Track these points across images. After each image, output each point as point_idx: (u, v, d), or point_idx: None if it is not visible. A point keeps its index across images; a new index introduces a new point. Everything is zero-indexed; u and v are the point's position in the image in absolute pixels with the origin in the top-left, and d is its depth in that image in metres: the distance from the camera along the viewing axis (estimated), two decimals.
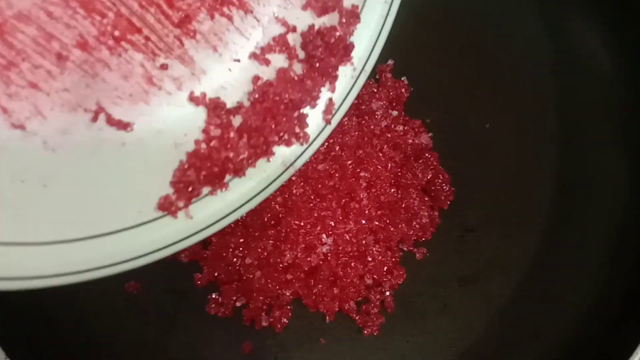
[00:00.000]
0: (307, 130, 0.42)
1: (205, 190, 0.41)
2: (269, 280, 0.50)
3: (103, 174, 0.39)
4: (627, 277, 0.51)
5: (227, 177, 0.41)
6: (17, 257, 0.36)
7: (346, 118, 0.52)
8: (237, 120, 0.41)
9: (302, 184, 0.50)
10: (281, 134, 0.41)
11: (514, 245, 0.54)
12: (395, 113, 0.54)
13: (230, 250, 0.50)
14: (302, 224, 0.49)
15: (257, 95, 0.41)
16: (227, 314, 0.51)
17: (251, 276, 0.50)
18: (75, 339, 0.50)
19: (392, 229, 0.52)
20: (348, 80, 0.43)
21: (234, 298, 0.50)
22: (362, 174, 0.51)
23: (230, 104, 0.41)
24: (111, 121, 0.38)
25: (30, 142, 0.36)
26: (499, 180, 0.55)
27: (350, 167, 0.51)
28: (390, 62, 0.56)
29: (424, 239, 0.53)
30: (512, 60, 0.57)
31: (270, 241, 0.50)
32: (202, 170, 0.40)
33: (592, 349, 0.49)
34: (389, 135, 0.53)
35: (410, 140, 0.54)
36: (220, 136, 0.40)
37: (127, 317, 0.51)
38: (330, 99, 0.42)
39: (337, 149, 0.51)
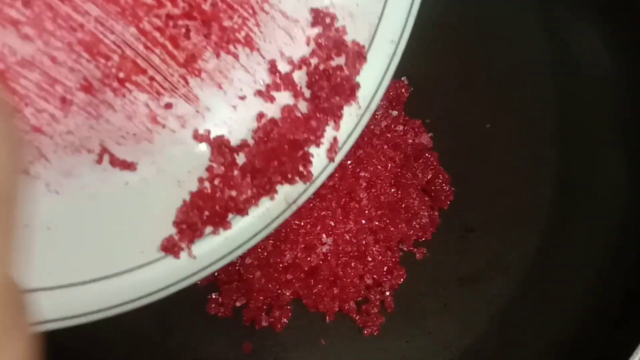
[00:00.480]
0: (311, 169, 0.42)
1: (208, 229, 0.41)
2: (269, 280, 0.50)
3: (106, 214, 0.39)
4: (627, 277, 0.51)
5: (230, 216, 0.41)
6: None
7: None
8: (240, 159, 0.41)
9: None
10: (285, 174, 0.41)
11: (514, 245, 0.54)
12: (395, 113, 0.54)
13: None
14: (302, 224, 0.49)
15: (261, 134, 0.41)
16: (227, 314, 0.51)
17: (251, 276, 0.50)
18: (75, 339, 0.50)
19: (392, 229, 0.52)
20: (352, 119, 0.42)
21: (234, 298, 0.51)
22: (362, 174, 0.51)
23: (234, 141, 0.41)
24: (115, 162, 0.38)
25: (34, 186, 0.36)
26: (499, 180, 0.55)
27: (350, 167, 0.51)
28: None
29: (424, 239, 0.53)
30: (512, 60, 0.57)
31: (270, 241, 0.50)
32: (205, 210, 0.40)
33: (592, 349, 0.49)
34: (389, 135, 0.53)
35: (410, 140, 0.54)
36: (224, 175, 0.40)
37: (127, 317, 0.51)
38: (335, 138, 0.42)
39: None
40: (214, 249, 0.41)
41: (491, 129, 0.56)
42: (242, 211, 0.40)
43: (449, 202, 0.53)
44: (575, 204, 0.54)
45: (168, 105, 0.39)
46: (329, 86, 0.41)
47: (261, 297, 0.50)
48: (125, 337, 0.51)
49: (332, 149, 0.42)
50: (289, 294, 0.50)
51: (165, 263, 0.40)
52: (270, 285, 0.50)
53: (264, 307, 0.51)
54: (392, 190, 0.52)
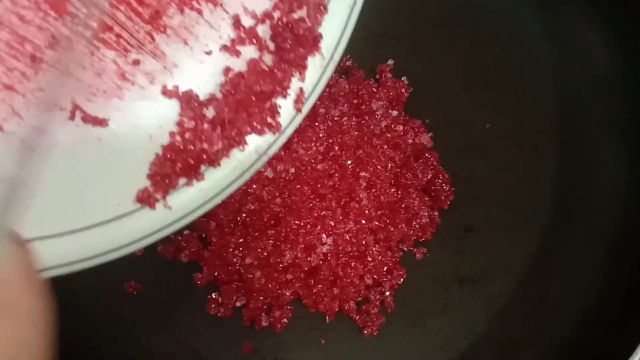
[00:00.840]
0: (279, 119, 0.43)
1: (182, 181, 0.42)
2: (269, 280, 0.50)
3: (81, 169, 0.40)
4: (627, 277, 0.51)
5: (202, 168, 0.42)
6: None
7: (345, 118, 0.52)
8: (210, 112, 0.42)
9: (301, 184, 0.50)
10: (254, 125, 0.42)
11: (514, 245, 0.54)
12: (395, 113, 0.54)
13: (230, 250, 0.50)
14: (302, 223, 0.49)
15: (228, 87, 0.42)
16: (227, 314, 0.51)
17: (251, 276, 0.49)
18: (75, 339, 0.50)
19: (392, 229, 0.52)
20: (317, 70, 0.44)
21: (234, 298, 0.51)
22: (362, 174, 0.51)
23: (202, 96, 0.42)
24: (87, 118, 0.39)
25: (9, 143, 0.37)
26: (499, 180, 0.55)
27: (350, 167, 0.51)
28: (390, 62, 0.56)
29: (424, 239, 0.53)
30: (512, 60, 0.57)
31: (270, 241, 0.50)
32: (178, 163, 0.41)
33: (592, 349, 0.49)
34: (389, 135, 0.53)
35: (410, 140, 0.54)
36: (194, 128, 0.42)
37: (127, 317, 0.51)
38: (301, 89, 0.44)
39: (336, 149, 0.51)
40: (189, 199, 0.42)
41: (491, 129, 0.56)
42: (213, 162, 0.42)
43: (449, 202, 0.53)
44: (575, 204, 0.54)
45: (136, 62, 0.40)
46: (292, 38, 0.42)
47: (261, 297, 0.50)
48: (126, 337, 0.51)
49: (299, 100, 0.43)
50: (289, 294, 0.50)
51: (142, 214, 0.41)
52: (270, 285, 0.50)
53: (264, 307, 0.51)
54: (392, 190, 0.52)
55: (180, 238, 0.52)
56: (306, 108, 0.44)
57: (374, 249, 0.51)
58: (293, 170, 0.50)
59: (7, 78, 0.37)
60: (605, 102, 0.56)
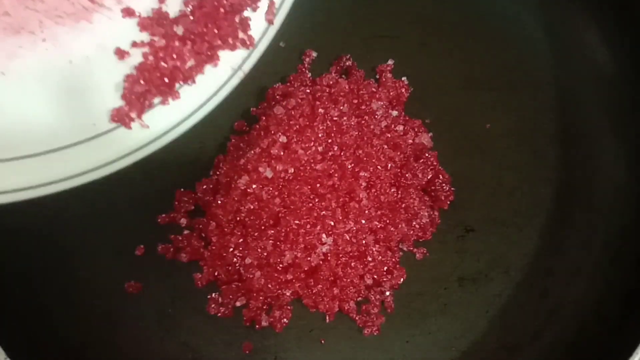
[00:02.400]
0: (251, 33, 0.43)
1: (157, 100, 0.42)
2: (269, 280, 0.50)
3: (55, 91, 0.40)
4: (627, 277, 0.51)
5: (177, 86, 0.42)
6: None
7: (345, 118, 0.52)
8: (179, 30, 0.42)
9: (301, 184, 0.50)
10: (225, 39, 0.42)
11: (514, 245, 0.54)
12: (395, 113, 0.54)
13: (230, 250, 0.50)
14: (301, 223, 0.49)
15: (196, 2, 0.41)
16: (227, 314, 0.51)
17: (251, 276, 0.50)
18: (75, 339, 0.50)
19: (392, 229, 0.52)
20: None
21: (234, 298, 0.51)
22: (362, 173, 0.51)
23: (172, 13, 0.42)
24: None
25: None
26: (499, 180, 0.55)
27: (350, 167, 0.51)
28: (390, 62, 0.56)
29: (424, 239, 0.53)
30: (512, 60, 0.57)
31: (270, 241, 0.50)
32: (152, 81, 0.41)
33: (592, 349, 0.49)
34: (389, 135, 0.53)
35: (410, 140, 0.54)
36: (165, 46, 0.42)
37: (127, 317, 0.51)
38: (271, 0, 0.43)
39: (335, 149, 0.51)
40: (166, 117, 0.43)
41: (491, 129, 0.56)
42: (187, 79, 0.43)
43: (449, 202, 0.53)
44: (575, 203, 0.54)
45: None
46: None
47: (261, 297, 0.50)
48: (126, 337, 0.51)
49: (270, 11, 0.44)
50: (289, 294, 0.50)
51: (119, 133, 0.42)
52: (270, 285, 0.50)
53: (264, 307, 0.51)
54: (392, 190, 0.52)
55: (180, 238, 0.52)
56: (278, 19, 0.44)
57: (374, 249, 0.51)
58: (292, 170, 0.50)
59: None
60: (605, 102, 0.56)
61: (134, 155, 0.42)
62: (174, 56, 0.42)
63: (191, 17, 0.42)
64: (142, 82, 0.41)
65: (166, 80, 0.42)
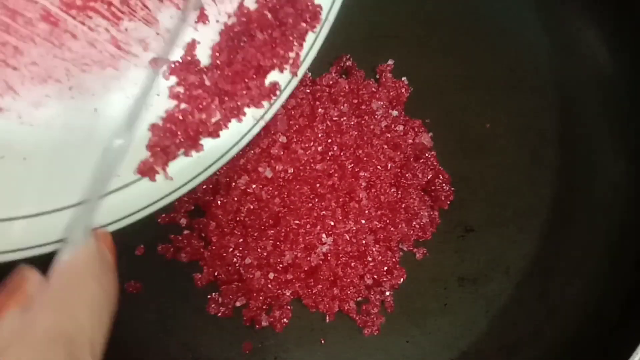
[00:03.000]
0: (277, 92, 0.43)
1: (180, 151, 0.42)
2: (269, 280, 0.50)
3: (80, 141, 0.40)
4: (627, 277, 0.51)
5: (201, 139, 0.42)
6: (2, 231, 0.38)
7: (345, 118, 0.52)
8: (207, 82, 0.42)
9: (301, 183, 0.50)
10: (254, 99, 0.42)
11: (514, 245, 0.54)
12: (395, 113, 0.54)
13: (230, 250, 0.50)
14: (301, 223, 0.49)
15: (225, 58, 0.41)
16: (227, 314, 0.51)
17: (251, 276, 0.49)
18: None
19: (392, 229, 0.52)
20: (311, 35, 0.44)
21: (234, 298, 0.51)
22: (361, 173, 0.51)
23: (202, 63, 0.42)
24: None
25: (6, 119, 0.38)
26: (499, 180, 0.55)
27: (350, 167, 0.51)
28: (390, 62, 0.56)
29: (424, 239, 0.53)
30: (512, 60, 0.57)
31: (270, 241, 0.50)
32: (178, 134, 0.41)
33: (592, 349, 0.49)
34: (389, 135, 0.53)
35: (410, 140, 0.54)
36: (195, 97, 0.41)
37: (127, 317, 0.51)
38: (297, 54, 0.43)
39: (335, 149, 0.51)
40: (187, 168, 0.42)
41: (491, 129, 0.56)
42: (212, 134, 0.42)
43: (449, 202, 0.53)
44: (575, 203, 0.54)
45: (128, 30, 0.40)
46: (294, 13, 0.41)
47: (261, 297, 0.50)
48: (126, 337, 0.51)
49: (295, 65, 0.43)
50: (289, 294, 0.50)
51: (142, 185, 0.41)
52: (270, 285, 0.50)
53: (264, 307, 0.51)
54: (392, 190, 0.52)
55: (180, 238, 0.52)
56: (301, 71, 0.44)
57: (374, 249, 0.51)
58: (292, 170, 0.50)
59: (0, 53, 0.37)
60: (605, 102, 0.56)
61: (154, 206, 0.42)
62: (201, 109, 0.41)
63: (218, 72, 0.41)
64: (168, 134, 0.41)
65: (191, 133, 0.41)
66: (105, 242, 0.39)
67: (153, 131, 0.41)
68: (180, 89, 0.41)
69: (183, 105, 0.41)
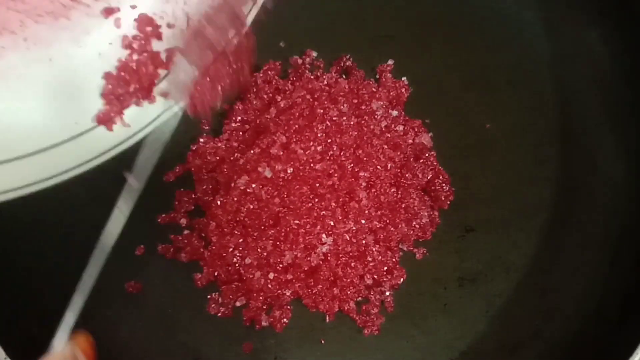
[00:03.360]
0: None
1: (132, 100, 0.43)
2: (269, 280, 0.50)
3: (36, 91, 0.41)
4: (627, 277, 0.51)
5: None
6: None
7: (345, 118, 0.52)
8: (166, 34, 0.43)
9: (300, 183, 0.50)
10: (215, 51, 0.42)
11: (514, 245, 0.54)
12: (395, 113, 0.54)
13: (230, 250, 0.50)
14: (301, 223, 0.49)
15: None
16: (227, 314, 0.51)
17: (251, 276, 0.50)
18: None
19: (392, 229, 0.52)
20: None
21: (234, 298, 0.51)
22: (361, 173, 0.51)
23: (157, 20, 0.43)
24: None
25: None
26: (499, 180, 0.55)
27: (350, 167, 0.51)
28: (390, 62, 0.56)
29: (424, 239, 0.53)
30: (512, 60, 0.57)
31: (270, 241, 0.50)
32: (132, 83, 0.42)
33: (592, 349, 0.49)
34: (389, 135, 0.53)
35: (410, 140, 0.54)
36: (146, 49, 0.42)
37: (127, 317, 0.51)
38: None
39: (334, 149, 0.51)
40: (145, 114, 0.43)
41: (491, 129, 0.56)
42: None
43: (449, 202, 0.53)
44: (575, 203, 0.54)
45: None
46: None
47: (261, 297, 0.50)
48: (125, 337, 0.51)
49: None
50: (289, 294, 0.50)
51: (100, 131, 0.42)
52: (270, 285, 0.50)
53: (264, 307, 0.51)
54: (392, 190, 0.52)
55: (180, 238, 0.52)
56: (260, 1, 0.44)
57: (374, 249, 0.51)
58: (291, 170, 0.50)
59: None
60: (606, 101, 0.56)
61: (114, 151, 0.43)
62: (154, 62, 0.42)
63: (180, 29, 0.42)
64: (122, 83, 0.42)
65: (145, 84, 0.42)
66: (83, 344, 0.41)
67: (107, 79, 0.41)
68: (134, 41, 0.42)
69: (136, 56, 0.42)
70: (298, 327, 0.51)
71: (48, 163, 0.41)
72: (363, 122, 0.53)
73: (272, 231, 0.50)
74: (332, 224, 0.50)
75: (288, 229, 0.49)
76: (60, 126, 0.41)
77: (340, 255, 0.51)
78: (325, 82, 0.54)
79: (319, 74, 0.55)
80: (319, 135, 0.51)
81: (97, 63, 0.41)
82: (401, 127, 0.54)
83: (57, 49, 0.41)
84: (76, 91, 0.41)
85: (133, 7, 0.43)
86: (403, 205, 0.52)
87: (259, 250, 0.50)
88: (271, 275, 0.50)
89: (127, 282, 0.51)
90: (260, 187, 0.49)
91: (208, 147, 0.52)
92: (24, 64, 0.40)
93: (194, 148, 0.53)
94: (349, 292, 0.51)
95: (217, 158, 0.52)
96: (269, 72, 0.55)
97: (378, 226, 0.51)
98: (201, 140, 0.53)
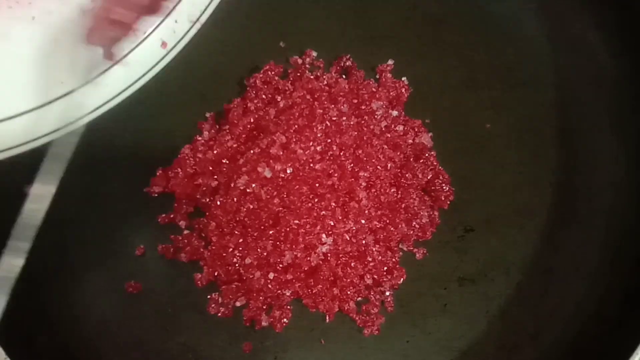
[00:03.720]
0: None
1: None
2: (269, 280, 0.50)
3: (20, 51, 0.41)
4: (627, 277, 0.51)
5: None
6: None
7: (344, 118, 0.52)
8: None
9: (300, 183, 0.50)
10: None
11: (514, 245, 0.54)
12: (395, 113, 0.54)
13: (230, 250, 0.50)
14: (301, 223, 0.49)
15: None
16: (227, 314, 0.51)
17: (251, 276, 0.50)
18: (75, 339, 0.50)
19: (392, 229, 0.52)
20: None
21: (234, 298, 0.51)
22: (361, 173, 0.51)
23: None
24: None
25: None
26: (499, 180, 0.55)
27: (350, 167, 0.51)
28: (390, 62, 0.56)
29: (423, 239, 0.53)
30: (512, 60, 0.57)
31: (270, 241, 0.50)
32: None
33: (592, 349, 0.49)
34: (389, 135, 0.53)
35: (410, 140, 0.54)
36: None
37: (127, 317, 0.51)
38: None
39: (334, 149, 0.51)
40: (123, 75, 0.43)
41: (491, 129, 0.56)
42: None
43: (449, 202, 0.53)
44: (575, 203, 0.54)
45: None
46: None
47: (261, 297, 0.50)
48: (126, 337, 0.51)
49: None
50: (289, 294, 0.50)
51: (86, 90, 0.42)
52: (270, 285, 0.50)
53: (264, 307, 0.51)
54: (392, 190, 0.52)
55: (180, 238, 0.52)
56: None
57: (374, 249, 0.51)
58: (291, 170, 0.50)
59: None
60: (606, 102, 0.56)
61: (99, 111, 0.43)
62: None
63: None
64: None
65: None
66: None
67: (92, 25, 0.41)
68: None
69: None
70: (298, 327, 0.51)
71: (33, 123, 0.41)
72: (363, 122, 0.53)
73: (272, 231, 0.50)
74: (332, 224, 0.50)
75: (288, 229, 0.49)
76: (47, 86, 0.41)
77: (340, 255, 0.51)
78: (325, 82, 0.54)
79: (318, 74, 0.55)
80: (319, 135, 0.51)
81: (80, 19, 0.41)
82: (401, 127, 0.54)
83: (40, 7, 0.41)
84: (60, 49, 0.42)
85: None
86: (403, 205, 0.52)
87: (259, 250, 0.50)
88: (271, 275, 0.50)
89: (127, 282, 0.51)
90: (260, 187, 0.49)
91: (206, 147, 0.52)
92: (7, 23, 0.40)
93: (191, 147, 0.53)
94: (349, 292, 0.51)
95: (214, 159, 0.52)
96: (269, 73, 0.55)
97: (378, 226, 0.51)
98: (199, 138, 0.53)
